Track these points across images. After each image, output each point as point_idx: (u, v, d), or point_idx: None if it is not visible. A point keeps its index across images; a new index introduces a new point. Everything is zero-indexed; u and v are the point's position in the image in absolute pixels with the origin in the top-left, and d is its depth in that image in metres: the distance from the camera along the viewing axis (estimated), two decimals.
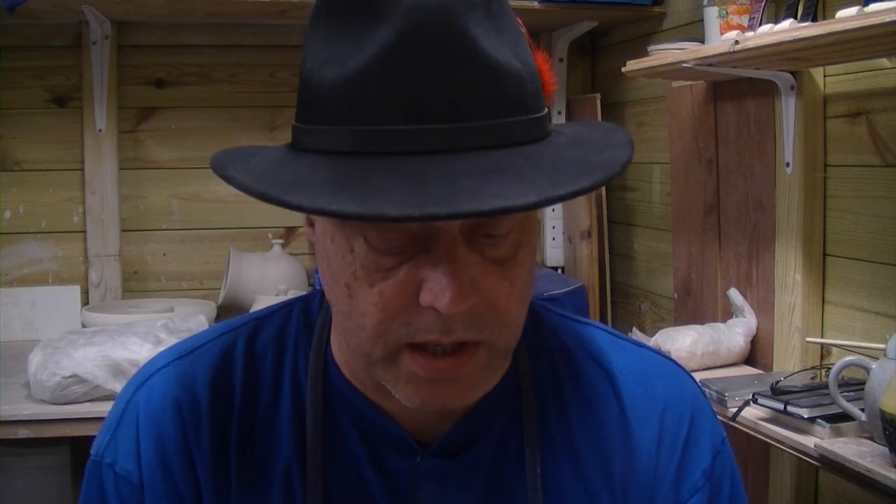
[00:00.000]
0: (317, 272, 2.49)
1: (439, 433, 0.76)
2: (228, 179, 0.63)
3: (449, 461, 0.76)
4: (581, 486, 0.77)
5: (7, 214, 2.49)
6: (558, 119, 2.70)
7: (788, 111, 1.75)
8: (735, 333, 1.92)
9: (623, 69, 1.98)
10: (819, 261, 1.76)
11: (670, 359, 0.87)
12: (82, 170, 2.50)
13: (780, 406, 1.49)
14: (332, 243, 0.66)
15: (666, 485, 0.79)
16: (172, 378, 0.78)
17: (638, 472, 0.78)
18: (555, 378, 0.80)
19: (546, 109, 0.68)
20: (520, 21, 0.70)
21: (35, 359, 1.84)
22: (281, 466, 0.75)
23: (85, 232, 2.51)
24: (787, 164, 1.78)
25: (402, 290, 0.64)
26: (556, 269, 2.69)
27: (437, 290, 0.62)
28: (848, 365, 1.38)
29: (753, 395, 1.55)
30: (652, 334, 2.01)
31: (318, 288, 0.79)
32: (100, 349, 1.81)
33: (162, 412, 0.76)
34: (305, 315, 0.80)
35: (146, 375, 0.79)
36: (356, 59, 0.61)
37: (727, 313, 2.00)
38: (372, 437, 0.76)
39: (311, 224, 0.71)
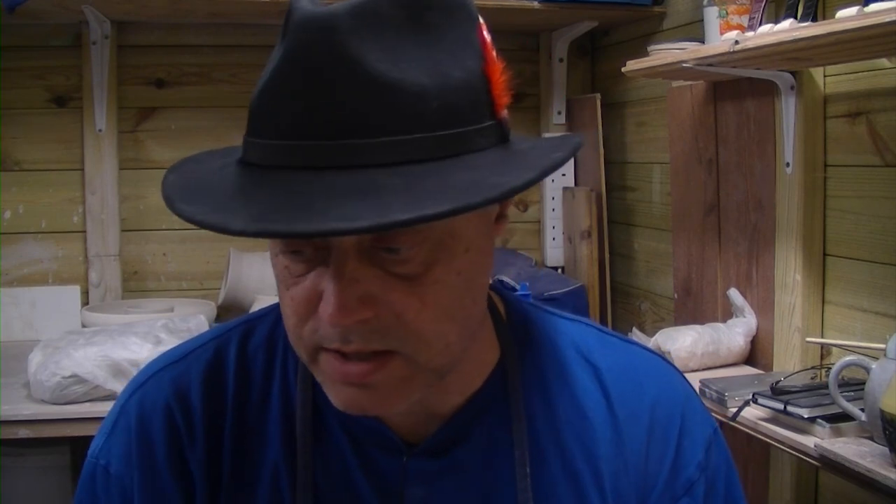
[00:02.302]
0: None
1: (427, 433, 0.76)
2: (163, 180, 0.69)
3: (436, 461, 0.76)
4: (570, 484, 0.77)
5: (7, 214, 2.49)
6: (558, 119, 2.71)
7: (788, 111, 1.75)
8: (735, 333, 1.92)
9: (623, 69, 1.98)
10: (819, 261, 1.76)
11: (658, 354, 0.87)
12: (82, 170, 2.50)
13: (780, 406, 1.49)
14: (270, 247, 0.70)
15: (661, 481, 0.79)
16: (166, 383, 0.79)
17: (628, 470, 0.78)
18: (542, 377, 0.80)
19: (486, 123, 0.66)
20: (481, 27, 0.69)
21: (35, 359, 1.84)
22: (270, 467, 0.76)
23: (85, 232, 2.51)
24: (787, 164, 1.78)
25: (308, 298, 0.65)
26: (556, 269, 2.69)
27: (325, 302, 0.63)
28: (848, 365, 1.38)
29: (753, 395, 1.55)
30: (652, 334, 2.01)
31: None
32: (100, 349, 1.81)
33: (155, 416, 0.77)
34: None
35: (141, 380, 0.81)
36: (264, 76, 0.65)
37: (727, 313, 2.00)
38: (360, 436, 0.76)
39: None
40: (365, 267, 0.64)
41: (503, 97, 0.68)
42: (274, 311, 0.82)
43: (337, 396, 0.68)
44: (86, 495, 0.79)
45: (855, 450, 1.33)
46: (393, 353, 0.66)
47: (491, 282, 0.77)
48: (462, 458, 0.76)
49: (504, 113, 0.69)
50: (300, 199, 0.59)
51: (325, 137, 0.61)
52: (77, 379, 1.77)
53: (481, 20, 0.69)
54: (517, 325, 0.81)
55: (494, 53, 0.68)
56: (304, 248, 0.65)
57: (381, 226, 0.56)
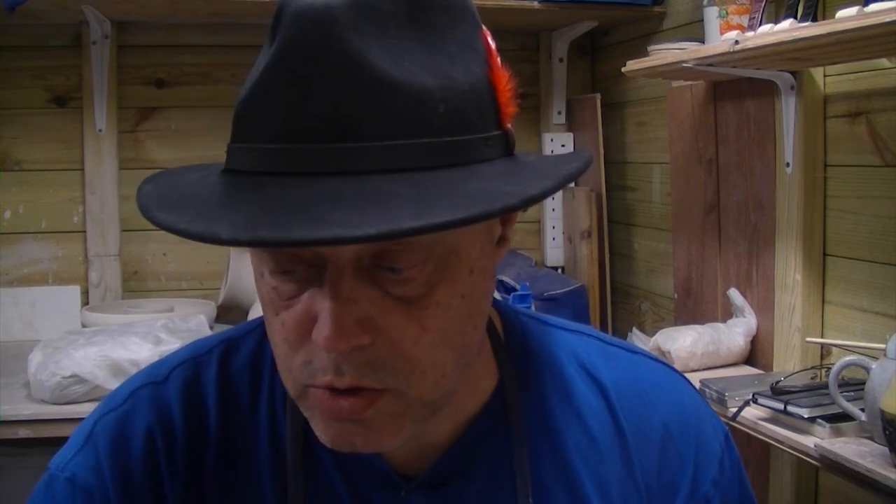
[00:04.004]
0: None
1: (424, 465, 0.71)
2: (138, 191, 0.63)
3: (435, 494, 0.71)
4: None
5: (7, 214, 2.49)
6: (558, 119, 2.71)
7: (788, 111, 1.75)
8: (735, 333, 1.92)
9: (623, 69, 1.98)
10: (819, 261, 1.76)
11: (664, 363, 0.83)
12: (82, 170, 2.50)
13: (780, 406, 1.49)
14: (253, 267, 0.64)
15: (679, 502, 0.75)
16: (144, 403, 0.74)
17: (640, 492, 0.74)
18: (545, 399, 0.75)
19: (492, 133, 0.62)
20: (485, 32, 0.65)
21: (35, 359, 1.84)
22: (257, 498, 0.71)
23: (85, 232, 2.51)
24: (787, 164, 1.77)
25: (301, 322, 0.60)
26: (556, 269, 2.69)
27: (320, 324, 0.58)
28: (848, 365, 1.38)
29: (753, 395, 1.55)
30: (652, 334, 2.01)
31: None
32: (100, 349, 1.81)
33: (130, 440, 0.72)
34: None
35: (117, 402, 0.75)
36: (252, 77, 0.60)
37: (727, 313, 2.00)
38: (353, 470, 0.71)
39: None
40: (363, 286, 0.58)
41: (509, 106, 0.64)
42: (258, 328, 0.77)
43: (326, 433, 0.62)
44: None
45: (855, 450, 1.33)
46: (383, 389, 0.60)
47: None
48: (462, 490, 0.72)
49: (509, 124, 0.64)
50: (296, 204, 0.53)
51: (322, 140, 0.56)
52: (77, 379, 1.77)
53: (484, 27, 0.66)
54: (516, 345, 0.76)
55: (499, 60, 0.64)
56: (295, 267, 0.59)
57: (391, 233, 0.50)
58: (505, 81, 0.64)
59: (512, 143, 0.65)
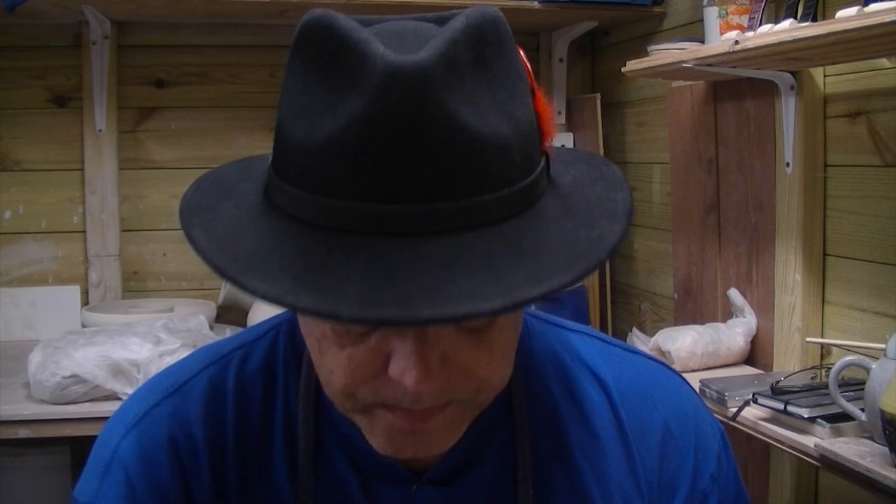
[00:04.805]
0: None
1: (432, 461, 0.73)
2: (191, 240, 0.59)
3: (444, 489, 0.73)
4: None
5: (7, 214, 2.49)
6: (558, 119, 2.71)
7: (788, 111, 1.75)
8: (735, 333, 1.92)
9: (623, 69, 1.98)
10: (819, 261, 1.76)
11: (662, 363, 0.85)
12: (82, 170, 2.50)
13: (780, 406, 1.49)
14: None
15: (679, 498, 0.77)
16: (164, 418, 0.74)
17: (640, 488, 0.76)
18: (549, 394, 0.77)
19: (542, 163, 0.63)
20: (523, 59, 0.64)
21: (35, 359, 1.84)
22: (274, 502, 0.73)
23: (85, 232, 2.51)
24: (787, 164, 1.78)
25: (371, 359, 0.61)
26: None
27: (404, 366, 0.59)
28: (848, 365, 1.38)
29: (753, 395, 1.55)
30: (652, 334, 2.01)
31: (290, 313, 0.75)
32: (100, 349, 1.81)
33: (157, 455, 0.73)
34: (292, 340, 0.76)
35: (134, 419, 0.75)
36: (325, 125, 0.57)
37: (727, 313, 2.00)
38: (364, 467, 0.73)
39: None
40: (442, 326, 0.60)
41: (550, 130, 0.64)
42: (268, 334, 0.78)
43: (389, 443, 0.65)
44: None
45: (855, 450, 1.33)
46: (450, 401, 0.63)
47: None
48: (468, 484, 0.74)
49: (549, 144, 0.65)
50: (405, 271, 0.53)
51: (414, 201, 0.55)
52: (77, 379, 1.77)
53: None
54: (521, 342, 0.76)
55: (533, 79, 0.64)
56: None
57: (514, 304, 0.52)
58: (545, 104, 0.64)
59: (549, 162, 0.66)
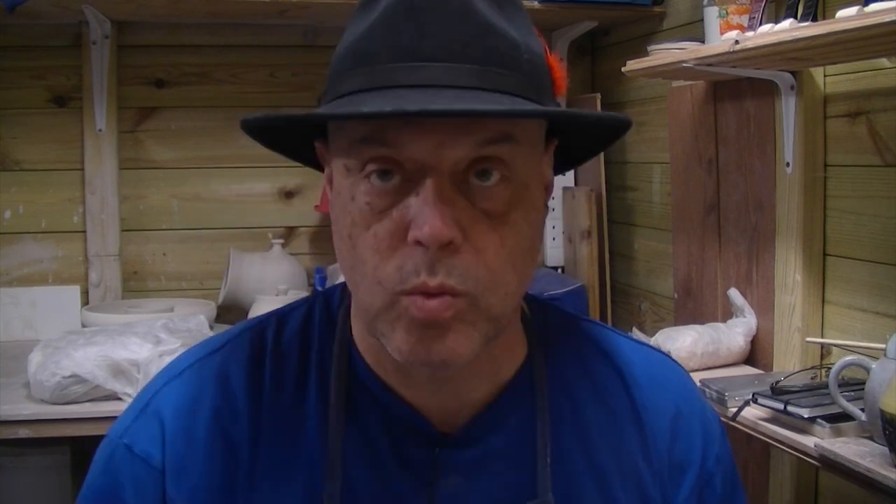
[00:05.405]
0: (317, 271, 2.50)
1: (460, 423, 0.78)
2: (247, 122, 0.74)
3: (469, 451, 0.77)
4: (596, 483, 0.79)
5: (7, 214, 2.49)
6: None
7: (788, 111, 1.75)
8: (735, 333, 1.92)
9: (623, 69, 1.98)
10: (819, 261, 1.76)
11: (668, 355, 0.91)
12: (82, 170, 2.50)
13: (780, 406, 1.49)
14: (338, 197, 0.71)
15: (689, 476, 0.82)
16: (205, 372, 0.79)
17: (653, 466, 0.81)
18: (566, 372, 0.82)
19: (552, 99, 0.73)
20: (536, 30, 0.74)
21: (35, 359, 1.84)
22: (306, 456, 0.77)
23: (85, 232, 2.51)
24: (787, 164, 1.78)
25: (394, 230, 0.67)
26: (556, 269, 2.69)
27: (420, 222, 0.65)
28: (848, 365, 1.38)
29: (753, 395, 1.55)
30: (652, 334, 2.01)
31: (325, 287, 0.81)
32: (100, 349, 1.81)
33: (193, 403, 0.77)
34: (327, 309, 0.83)
35: (176, 371, 0.81)
36: (366, 22, 0.69)
37: (727, 313, 2.00)
38: (394, 425, 0.77)
39: (330, 182, 0.75)
40: (457, 195, 0.67)
41: (562, 81, 0.77)
42: (303, 305, 0.84)
43: (406, 342, 0.68)
44: (103, 477, 0.78)
45: (855, 450, 1.33)
46: (462, 294, 0.67)
47: None
48: (493, 449, 0.78)
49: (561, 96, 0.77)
50: (425, 94, 0.64)
51: (437, 61, 0.66)
52: (77, 379, 1.77)
53: None
54: (540, 325, 0.83)
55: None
56: (394, 172, 0.67)
57: (513, 112, 0.66)
58: (555, 60, 0.77)
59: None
